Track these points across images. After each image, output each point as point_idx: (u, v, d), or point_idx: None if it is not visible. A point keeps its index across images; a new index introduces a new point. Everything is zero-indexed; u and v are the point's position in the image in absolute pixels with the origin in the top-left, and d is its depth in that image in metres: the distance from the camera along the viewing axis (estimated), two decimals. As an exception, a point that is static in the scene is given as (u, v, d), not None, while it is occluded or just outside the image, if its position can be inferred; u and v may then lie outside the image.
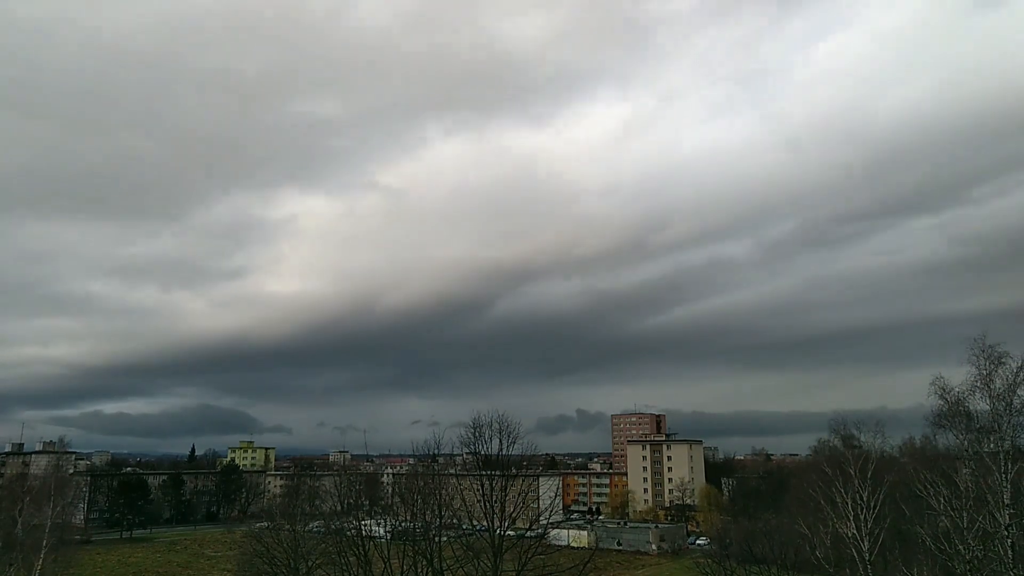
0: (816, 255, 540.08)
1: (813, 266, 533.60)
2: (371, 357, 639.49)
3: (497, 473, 45.82)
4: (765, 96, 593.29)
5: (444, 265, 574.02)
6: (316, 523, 61.26)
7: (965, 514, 36.97)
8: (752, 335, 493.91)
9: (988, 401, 35.76)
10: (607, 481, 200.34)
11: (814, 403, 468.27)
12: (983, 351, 35.63)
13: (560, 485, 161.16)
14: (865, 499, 44.88)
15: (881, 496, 44.81)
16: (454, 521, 48.85)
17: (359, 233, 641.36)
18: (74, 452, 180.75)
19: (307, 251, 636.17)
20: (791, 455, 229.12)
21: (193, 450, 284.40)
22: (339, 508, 62.51)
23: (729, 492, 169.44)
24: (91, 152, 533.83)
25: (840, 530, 45.85)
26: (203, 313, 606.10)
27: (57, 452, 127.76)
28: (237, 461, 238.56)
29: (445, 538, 47.64)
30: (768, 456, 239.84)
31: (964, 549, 36.37)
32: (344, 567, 47.00)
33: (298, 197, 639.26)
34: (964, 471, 39.02)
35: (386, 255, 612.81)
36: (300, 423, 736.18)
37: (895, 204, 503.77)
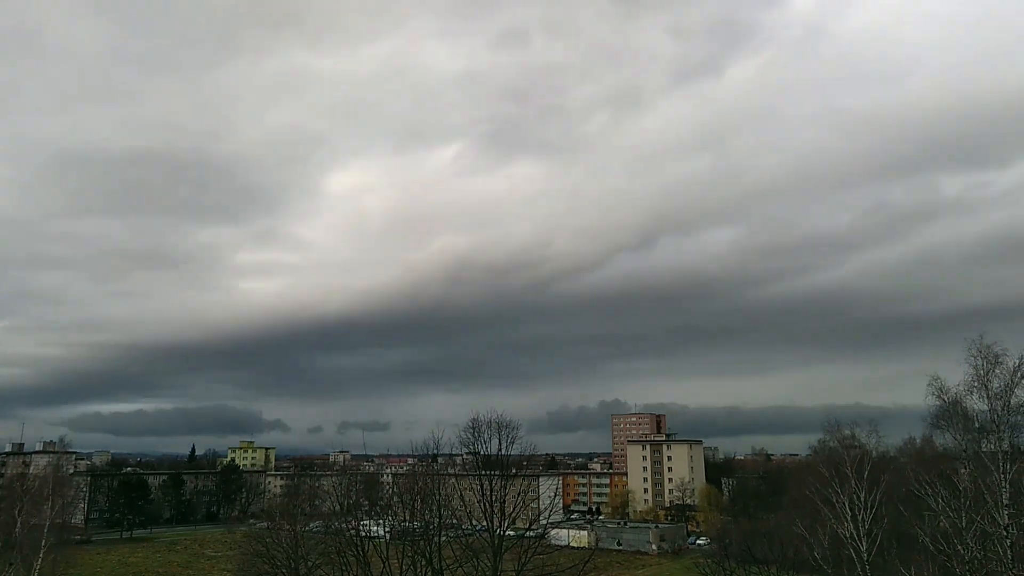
0: None
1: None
2: (414, 342, 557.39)
3: (496, 473, 45.86)
4: None
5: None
6: (316, 523, 61.30)
7: (964, 514, 36.93)
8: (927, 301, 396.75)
9: (986, 401, 35.75)
10: (607, 481, 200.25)
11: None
12: (980, 351, 35.61)
13: (560, 485, 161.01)
14: (862, 499, 44.82)
15: (878, 496, 44.74)
16: (453, 521, 48.88)
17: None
18: (74, 452, 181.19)
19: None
20: (791, 455, 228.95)
21: (193, 450, 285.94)
22: (339, 508, 62.49)
23: (729, 492, 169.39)
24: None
25: (838, 530, 45.80)
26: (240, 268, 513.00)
27: (57, 452, 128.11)
28: (237, 461, 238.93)
29: (445, 538, 47.67)
30: (768, 456, 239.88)
31: (963, 549, 36.32)
32: (344, 567, 47.04)
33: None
34: (963, 471, 38.99)
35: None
36: (298, 420, 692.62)
37: None
